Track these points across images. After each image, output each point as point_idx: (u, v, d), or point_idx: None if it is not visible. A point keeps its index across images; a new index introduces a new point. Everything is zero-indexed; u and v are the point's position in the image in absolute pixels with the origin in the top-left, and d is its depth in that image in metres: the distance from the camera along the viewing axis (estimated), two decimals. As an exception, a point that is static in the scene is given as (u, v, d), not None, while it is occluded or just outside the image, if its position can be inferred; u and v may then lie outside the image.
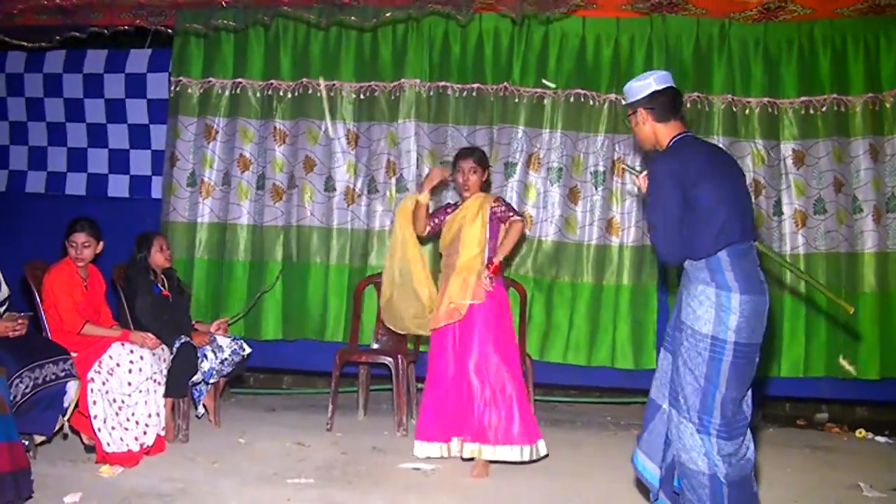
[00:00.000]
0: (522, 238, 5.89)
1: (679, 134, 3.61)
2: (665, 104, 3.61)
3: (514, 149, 6.21)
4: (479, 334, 4.81)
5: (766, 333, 5.74)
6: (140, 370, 4.91)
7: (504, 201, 5.05)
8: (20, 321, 4.57)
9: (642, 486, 3.99)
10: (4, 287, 4.83)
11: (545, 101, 6.23)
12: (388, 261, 5.18)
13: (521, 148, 6.22)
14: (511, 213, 4.93)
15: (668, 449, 3.59)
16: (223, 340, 5.65)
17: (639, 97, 3.65)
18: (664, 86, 3.62)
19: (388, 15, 5.89)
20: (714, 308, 3.37)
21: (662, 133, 3.63)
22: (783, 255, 5.98)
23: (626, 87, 3.74)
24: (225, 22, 6.21)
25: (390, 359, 5.77)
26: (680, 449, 3.45)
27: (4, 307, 4.82)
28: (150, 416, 4.96)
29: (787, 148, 6.12)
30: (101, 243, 5.21)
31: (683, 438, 3.43)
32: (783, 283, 6.08)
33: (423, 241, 5.31)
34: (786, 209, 6.11)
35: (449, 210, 5.14)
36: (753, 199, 6.03)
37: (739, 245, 3.43)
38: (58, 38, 6.29)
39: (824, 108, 6.07)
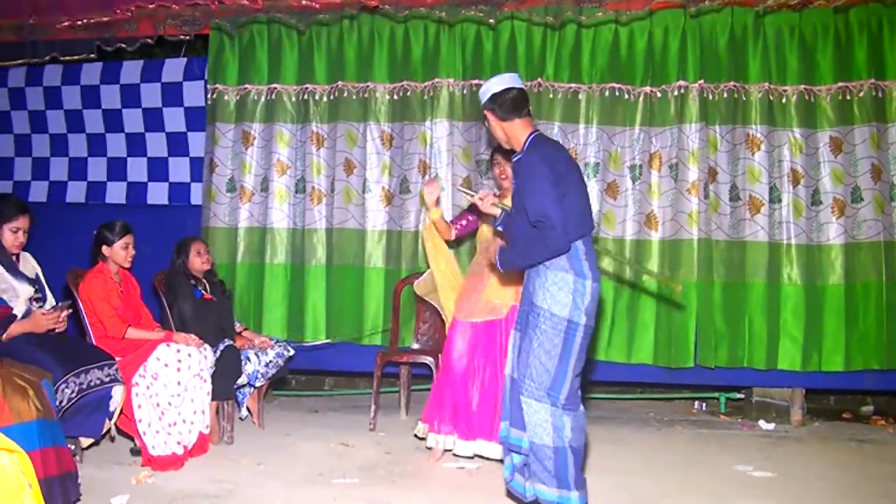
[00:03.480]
0: None
1: (532, 132, 3.84)
2: (506, 104, 3.83)
3: (549, 145, 6.17)
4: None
5: (806, 328, 5.86)
6: (189, 367, 4.95)
7: None
8: (61, 314, 4.63)
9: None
10: (50, 297, 4.89)
11: (580, 97, 6.19)
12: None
13: (557, 144, 6.18)
14: None
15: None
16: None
17: (484, 100, 3.91)
18: (504, 87, 3.84)
19: (420, 9, 5.91)
20: (572, 293, 3.64)
21: (512, 131, 3.87)
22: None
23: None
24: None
25: (430, 358, 5.76)
26: (532, 425, 3.68)
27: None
28: (195, 413, 5.01)
29: (824, 136, 6.03)
30: None
31: (533, 416, 3.67)
32: (822, 275, 6.01)
33: (451, 244, 5.34)
34: (824, 198, 6.02)
35: None
36: (792, 189, 6.01)
37: (588, 237, 3.77)
38: (94, 52, 6.39)
39: (861, 94, 5.98)
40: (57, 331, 4.66)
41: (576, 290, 3.63)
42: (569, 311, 3.63)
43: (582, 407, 3.75)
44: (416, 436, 5.29)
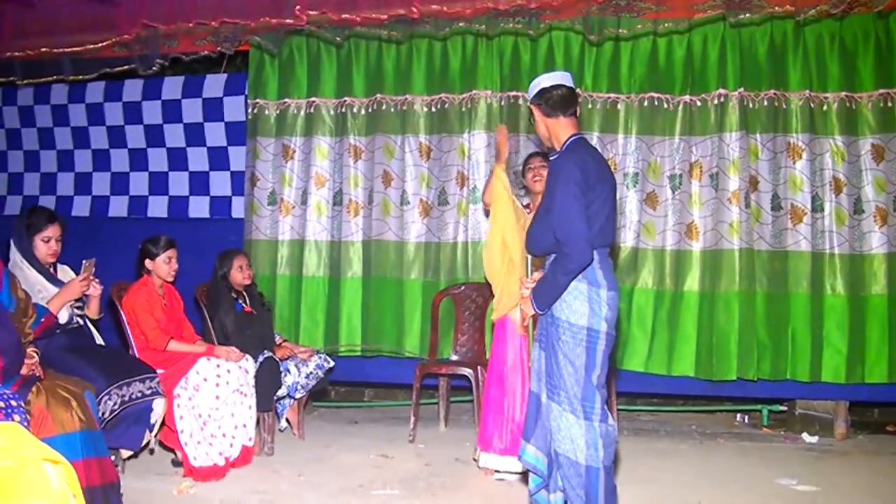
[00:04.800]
0: None
1: (574, 135, 3.78)
2: (552, 100, 3.79)
3: (589, 155, 6.15)
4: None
5: (850, 339, 5.81)
6: (227, 383, 4.99)
7: None
8: (89, 273, 4.67)
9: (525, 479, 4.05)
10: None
11: (619, 106, 6.17)
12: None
13: (596, 154, 6.14)
14: None
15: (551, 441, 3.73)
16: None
17: (532, 95, 3.88)
18: (553, 83, 3.82)
19: (460, 24, 5.93)
20: (588, 302, 3.60)
21: (555, 129, 3.82)
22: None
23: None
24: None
25: (470, 370, 5.76)
26: (561, 440, 3.62)
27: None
28: (236, 427, 5.04)
29: (865, 143, 5.94)
30: None
31: (565, 430, 3.60)
32: (865, 285, 5.92)
33: None
34: (866, 207, 5.93)
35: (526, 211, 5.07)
36: (834, 198, 5.92)
37: (605, 248, 3.72)
38: (140, 72, 6.51)
39: (903, 100, 5.91)
40: (91, 293, 4.74)
41: (591, 299, 3.59)
42: (587, 320, 3.58)
43: (612, 420, 3.68)
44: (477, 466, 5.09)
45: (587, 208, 3.56)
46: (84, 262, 4.69)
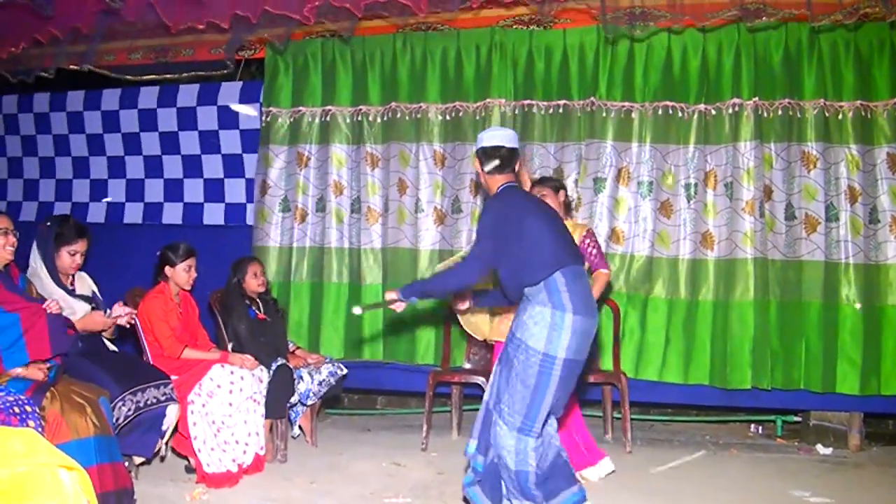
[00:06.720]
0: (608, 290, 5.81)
1: (504, 184, 4.05)
2: (491, 161, 4.06)
3: (602, 164, 6.14)
4: None
5: (865, 350, 5.71)
6: (241, 390, 4.99)
7: (596, 240, 5.06)
8: (114, 323, 4.76)
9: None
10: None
11: (633, 115, 6.15)
12: None
13: (611, 163, 6.14)
14: (600, 263, 4.95)
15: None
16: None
17: (476, 147, 4.16)
18: (493, 144, 4.07)
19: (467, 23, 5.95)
20: (548, 327, 3.69)
21: (490, 182, 4.11)
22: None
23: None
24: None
25: (483, 378, 5.74)
26: (497, 447, 3.82)
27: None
28: (249, 435, 5.04)
29: (881, 152, 5.89)
30: None
31: (499, 439, 3.79)
32: (881, 295, 5.87)
33: None
34: (882, 217, 5.89)
35: None
36: (849, 207, 5.87)
37: (573, 267, 3.81)
38: (149, 76, 6.56)
39: (919, 109, 5.87)
40: (126, 325, 4.84)
41: (553, 324, 3.68)
42: (544, 345, 3.69)
43: (553, 426, 3.92)
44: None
45: (505, 242, 3.82)
46: (122, 308, 4.77)
